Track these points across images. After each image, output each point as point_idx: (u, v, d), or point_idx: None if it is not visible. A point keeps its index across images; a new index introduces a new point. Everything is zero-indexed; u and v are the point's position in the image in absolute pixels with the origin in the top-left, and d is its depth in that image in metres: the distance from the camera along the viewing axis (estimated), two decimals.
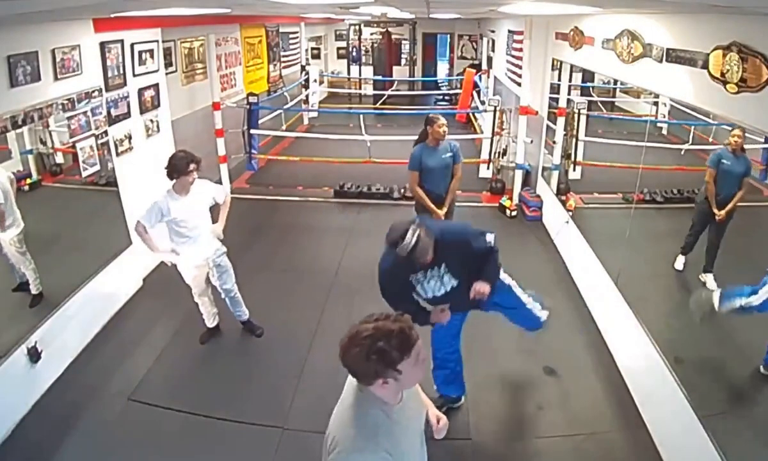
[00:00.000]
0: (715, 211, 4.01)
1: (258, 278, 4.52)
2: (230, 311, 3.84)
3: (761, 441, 2.55)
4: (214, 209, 3.57)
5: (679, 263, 4.37)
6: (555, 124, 5.85)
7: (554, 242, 5.42)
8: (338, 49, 14.77)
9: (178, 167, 3.21)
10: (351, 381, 1.53)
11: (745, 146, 3.96)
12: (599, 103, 8.82)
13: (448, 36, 14.50)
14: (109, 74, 4.15)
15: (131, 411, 3.18)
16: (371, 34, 14.33)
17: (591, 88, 8.77)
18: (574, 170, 6.13)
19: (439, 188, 4.12)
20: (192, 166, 3.23)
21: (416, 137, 4.21)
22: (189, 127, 6.06)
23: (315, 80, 11.54)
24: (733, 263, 4.20)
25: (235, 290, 3.74)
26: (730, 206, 3.94)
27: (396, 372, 1.40)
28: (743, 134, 3.86)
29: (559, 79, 5.69)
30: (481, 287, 2.47)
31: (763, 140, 4.27)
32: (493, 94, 8.18)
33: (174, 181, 3.27)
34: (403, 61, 14.52)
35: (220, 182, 6.25)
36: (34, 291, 3.63)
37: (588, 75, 7.77)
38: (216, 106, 6.48)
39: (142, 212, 3.28)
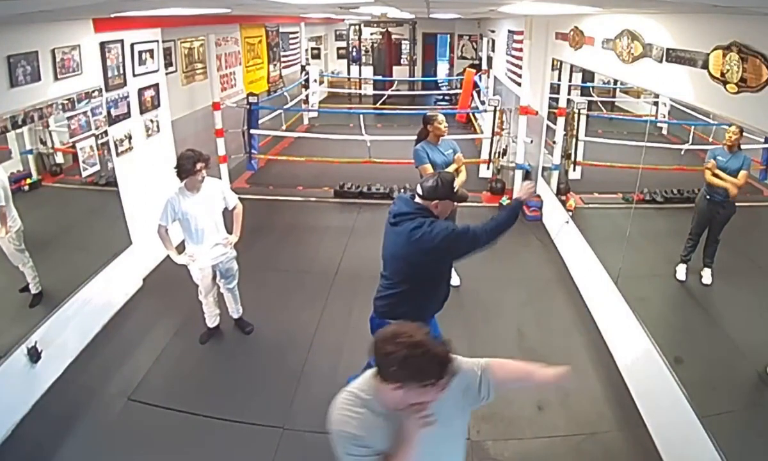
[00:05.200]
0: (730, 183, 3.86)
1: (258, 278, 4.52)
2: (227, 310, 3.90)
3: (761, 441, 2.55)
4: (227, 219, 3.62)
5: (681, 272, 4.27)
6: (555, 124, 5.85)
7: (554, 242, 5.42)
8: (338, 49, 14.77)
9: (186, 167, 3.26)
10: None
11: (743, 145, 3.93)
12: (599, 103, 8.81)
13: (448, 36, 14.51)
14: (109, 74, 4.15)
15: (131, 411, 3.18)
16: (371, 34, 14.33)
17: (591, 88, 8.76)
18: (574, 170, 6.12)
19: None
20: (199, 165, 3.27)
21: (415, 137, 4.20)
22: (189, 127, 6.07)
23: (315, 80, 11.54)
24: (732, 261, 4.21)
25: (235, 289, 3.83)
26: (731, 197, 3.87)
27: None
28: (739, 132, 3.84)
29: (559, 79, 5.68)
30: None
31: (762, 140, 4.26)
32: (493, 94, 8.18)
33: (185, 180, 3.33)
34: (403, 61, 14.52)
35: None
36: (33, 291, 3.63)
37: (588, 75, 7.76)
38: (216, 106, 6.48)
39: (158, 213, 3.35)
